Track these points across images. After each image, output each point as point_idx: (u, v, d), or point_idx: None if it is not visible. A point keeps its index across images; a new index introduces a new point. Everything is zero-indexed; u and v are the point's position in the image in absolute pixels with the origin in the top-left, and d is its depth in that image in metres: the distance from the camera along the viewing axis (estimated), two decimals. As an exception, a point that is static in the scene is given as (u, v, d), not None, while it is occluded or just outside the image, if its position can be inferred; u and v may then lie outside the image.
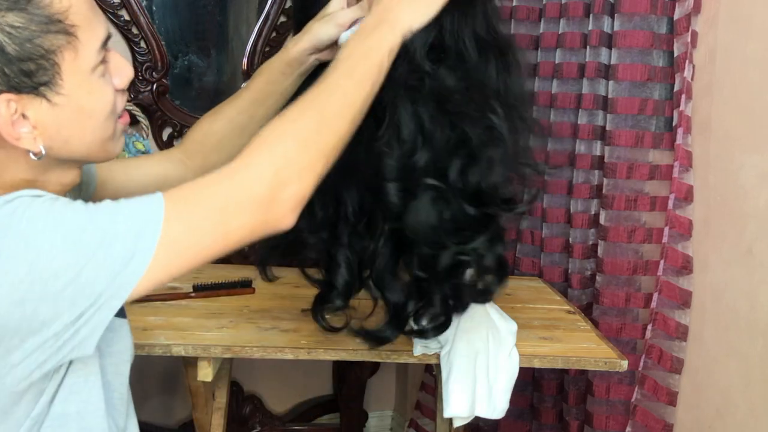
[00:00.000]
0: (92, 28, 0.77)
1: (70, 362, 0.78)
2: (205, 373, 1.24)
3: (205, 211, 0.76)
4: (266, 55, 2.20)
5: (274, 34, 2.20)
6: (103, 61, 0.79)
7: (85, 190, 0.98)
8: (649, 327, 1.52)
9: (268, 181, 0.77)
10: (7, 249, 0.69)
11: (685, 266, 1.48)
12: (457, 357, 1.19)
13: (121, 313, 0.87)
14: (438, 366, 1.23)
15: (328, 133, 0.82)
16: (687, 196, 1.47)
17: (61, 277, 0.70)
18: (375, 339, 1.17)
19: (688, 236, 1.48)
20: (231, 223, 0.77)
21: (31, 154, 0.76)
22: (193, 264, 0.77)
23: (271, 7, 2.17)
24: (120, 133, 0.84)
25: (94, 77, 0.77)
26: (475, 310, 1.22)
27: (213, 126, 1.10)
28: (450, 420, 1.25)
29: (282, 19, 2.19)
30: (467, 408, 1.19)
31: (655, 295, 1.50)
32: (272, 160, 0.78)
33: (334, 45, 1.06)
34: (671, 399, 1.50)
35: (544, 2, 1.75)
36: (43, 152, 0.76)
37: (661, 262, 1.50)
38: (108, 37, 0.79)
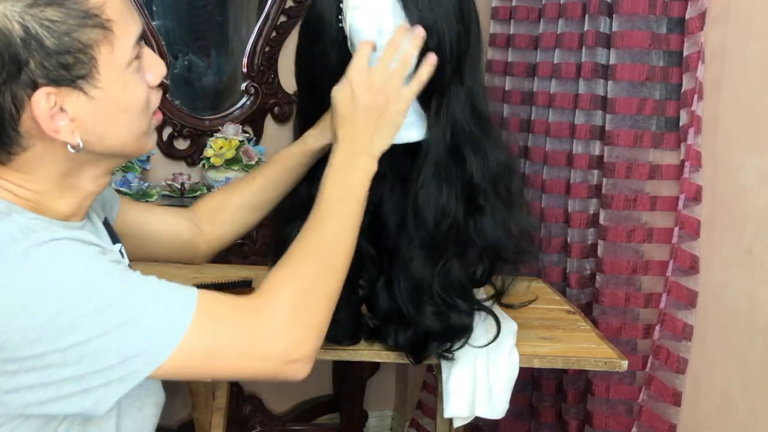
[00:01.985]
0: (127, 23, 0.78)
1: None
2: (205, 373, 1.24)
3: (228, 345, 0.80)
4: (266, 55, 2.20)
5: (274, 34, 2.20)
6: (138, 56, 0.80)
7: (108, 211, 1.02)
8: (657, 328, 1.51)
9: (288, 340, 0.81)
10: (35, 290, 0.71)
11: (693, 266, 1.48)
12: (457, 357, 1.19)
13: None
14: (438, 366, 1.23)
15: (331, 276, 0.88)
16: (696, 196, 1.47)
17: (74, 335, 0.72)
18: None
19: (696, 236, 1.47)
20: (247, 364, 0.81)
21: (69, 147, 0.77)
22: (203, 377, 0.83)
23: (271, 7, 2.17)
24: (153, 129, 0.86)
25: (129, 72, 0.79)
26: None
27: (227, 200, 1.16)
28: (450, 420, 1.25)
29: (282, 18, 2.20)
30: (467, 408, 1.19)
31: (664, 296, 1.51)
32: (291, 319, 0.82)
33: None
34: (676, 399, 1.50)
35: (543, 2, 1.75)
36: (81, 145, 0.77)
37: (671, 262, 1.50)
38: (142, 34, 0.81)
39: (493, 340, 1.19)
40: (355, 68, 0.97)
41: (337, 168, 0.95)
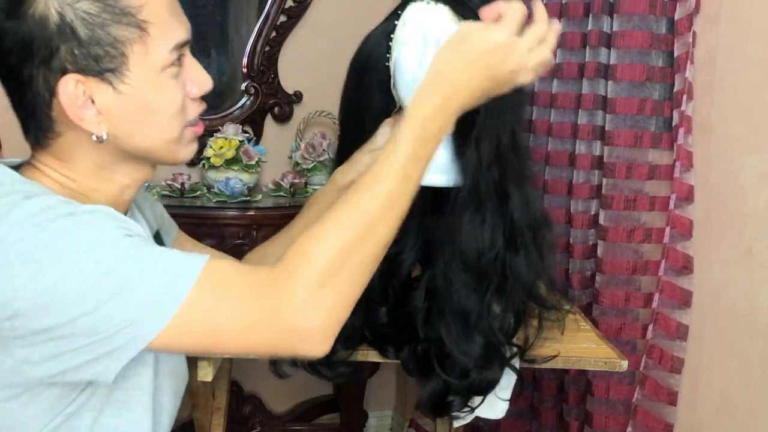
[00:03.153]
0: (167, 28, 0.81)
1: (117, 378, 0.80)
2: (205, 373, 1.24)
3: (231, 317, 0.75)
4: (266, 55, 2.20)
5: (274, 33, 2.20)
6: (179, 63, 0.82)
7: (165, 233, 1.06)
8: (650, 327, 1.52)
9: (305, 315, 0.75)
10: (45, 258, 0.73)
11: (686, 266, 1.48)
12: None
13: None
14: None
15: (373, 245, 0.79)
16: (688, 196, 1.47)
17: (82, 303, 0.72)
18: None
19: (689, 236, 1.48)
20: (253, 340, 0.77)
21: (93, 137, 0.80)
22: (207, 350, 0.79)
23: (271, 7, 2.18)
24: (189, 139, 0.87)
25: (165, 76, 0.81)
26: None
27: (269, 249, 1.15)
28: (450, 420, 1.25)
29: (282, 18, 2.20)
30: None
31: (656, 295, 1.51)
32: (308, 286, 0.75)
33: None
34: (672, 399, 1.50)
35: (544, 2, 1.75)
36: (104, 137, 0.80)
37: (662, 262, 1.50)
38: (186, 41, 0.83)
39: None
40: (508, 26, 0.86)
41: (418, 117, 0.83)
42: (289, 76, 2.25)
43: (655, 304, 1.51)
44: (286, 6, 2.19)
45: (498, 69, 0.86)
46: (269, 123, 2.26)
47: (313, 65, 2.26)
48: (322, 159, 2.14)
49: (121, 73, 0.78)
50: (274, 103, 2.24)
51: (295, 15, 2.20)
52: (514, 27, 0.86)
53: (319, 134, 2.16)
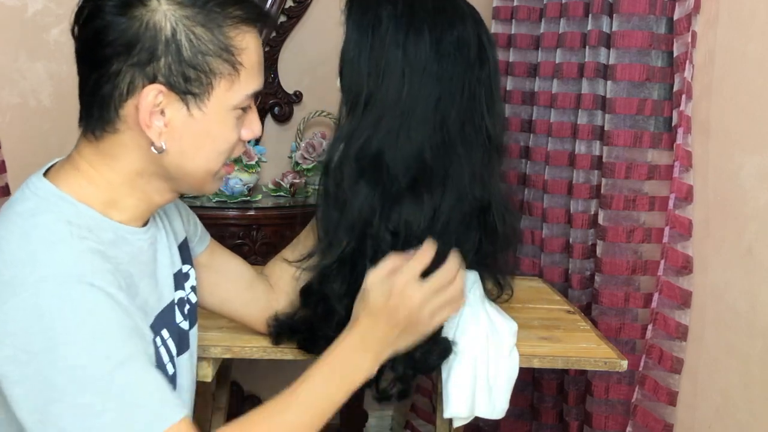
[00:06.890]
0: (252, 76, 0.88)
1: None
2: (205, 373, 1.24)
3: None
4: (266, 55, 2.20)
5: (273, 34, 2.20)
6: (244, 108, 0.89)
7: (196, 244, 1.11)
8: (650, 327, 1.52)
9: None
10: (53, 321, 0.75)
11: (685, 266, 1.48)
12: (457, 357, 1.19)
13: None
14: (438, 367, 1.22)
15: None
16: (687, 196, 1.47)
17: (51, 375, 0.74)
18: None
19: (688, 236, 1.48)
20: None
21: (152, 147, 0.85)
22: None
23: (271, 7, 2.17)
24: (221, 176, 0.93)
25: (231, 115, 0.87)
26: (475, 311, 1.22)
27: (284, 254, 1.25)
28: (450, 420, 1.25)
29: (282, 18, 2.20)
30: (467, 408, 1.19)
31: (656, 295, 1.50)
32: None
33: None
34: (671, 399, 1.50)
35: (544, 2, 1.76)
36: (164, 147, 0.85)
37: (662, 261, 1.50)
38: (258, 93, 0.90)
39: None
40: (408, 275, 0.98)
41: (342, 353, 0.98)
42: (289, 76, 2.25)
43: (654, 304, 1.51)
44: (286, 6, 2.19)
45: (398, 313, 0.98)
46: (269, 123, 2.26)
47: (313, 65, 2.26)
48: (321, 159, 2.14)
49: (200, 99, 0.84)
50: (274, 103, 2.24)
51: (295, 15, 2.20)
52: (415, 272, 0.98)
53: (319, 134, 2.16)
